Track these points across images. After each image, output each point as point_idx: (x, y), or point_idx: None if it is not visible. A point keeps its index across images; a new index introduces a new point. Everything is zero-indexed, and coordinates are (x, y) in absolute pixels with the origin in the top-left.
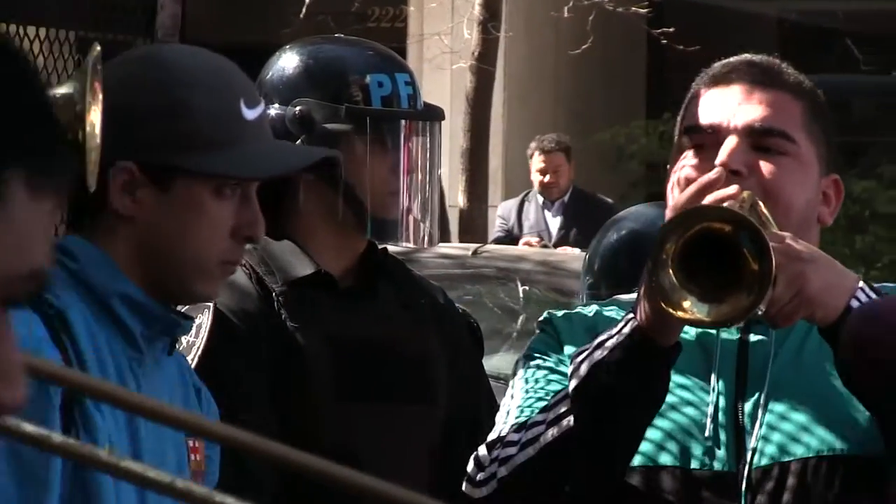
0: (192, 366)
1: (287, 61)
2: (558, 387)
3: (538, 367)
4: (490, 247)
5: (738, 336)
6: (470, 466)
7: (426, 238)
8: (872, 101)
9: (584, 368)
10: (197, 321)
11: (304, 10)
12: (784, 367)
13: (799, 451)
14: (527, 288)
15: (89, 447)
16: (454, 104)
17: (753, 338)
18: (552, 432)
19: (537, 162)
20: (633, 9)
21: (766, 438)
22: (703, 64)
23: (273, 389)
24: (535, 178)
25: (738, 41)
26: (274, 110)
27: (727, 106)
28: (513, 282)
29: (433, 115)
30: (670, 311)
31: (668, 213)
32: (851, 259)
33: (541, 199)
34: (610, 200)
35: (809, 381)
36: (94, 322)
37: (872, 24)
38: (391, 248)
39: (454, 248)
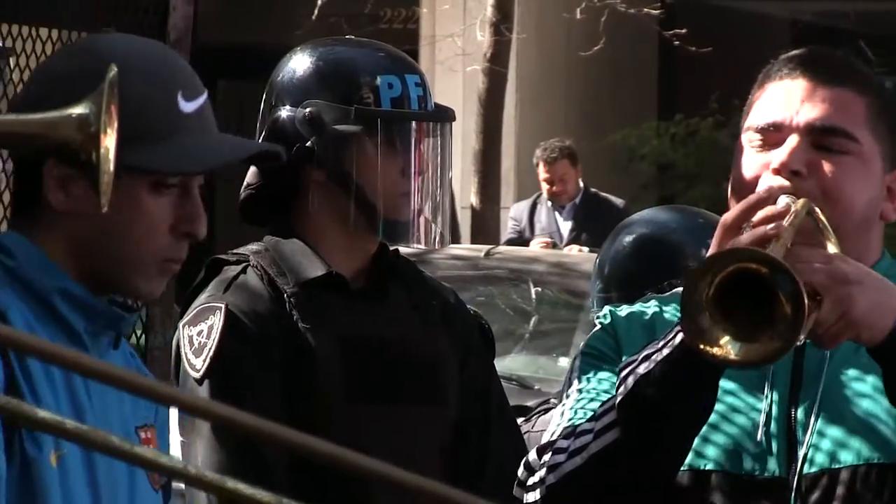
0: (204, 367)
1: (298, 63)
2: (613, 387)
3: (593, 367)
4: (502, 248)
5: None
6: (520, 470)
7: (437, 239)
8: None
9: (630, 381)
10: (209, 322)
11: (316, 11)
12: (837, 375)
13: (849, 458)
14: (539, 289)
15: (102, 434)
16: (466, 105)
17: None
18: (599, 442)
19: (542, 172)
20: (646, 10)
21: (816, 445)
22: (715, 65)
23: (284, 390)
24: (543, 186)
25: (751, 43)
26: (285, 112)
27: (789, 103)
28: (525, 283)
29: (443, 116)
30: (706, 349)
31: (719, 227)
32: None
33: (551, 203)
34: (620, 202)
35: (862, 388)
36: (35, 320)
37: (885, 25)
38: (403, 249)
39: (466, 249)
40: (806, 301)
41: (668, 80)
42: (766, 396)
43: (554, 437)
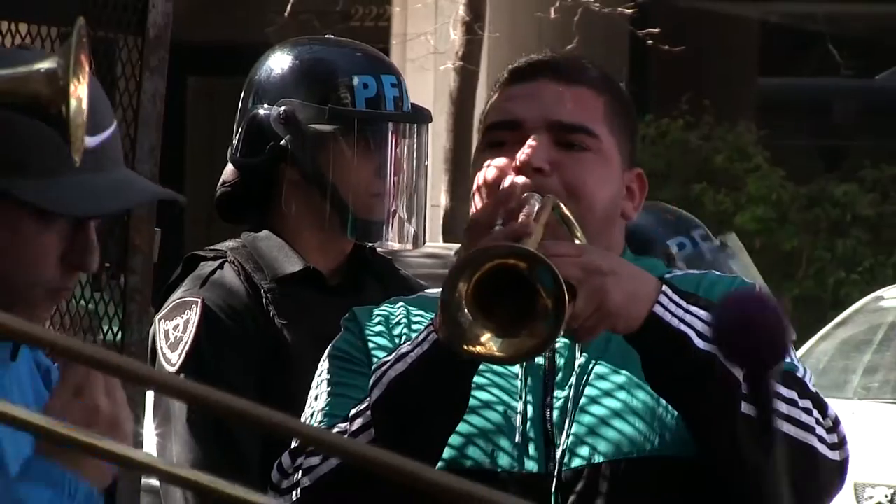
0: (180, 361)
1: (276, 61)
2: (362, 390)
3: (342, 369)
4: None
5: None
6: (274, 473)
7: (411, 239)
8: (854, 104)
9: (384, 381)
10: (185, 317)
11: (288, 8)
12: (591, 368)
13: (610, 452)
14: None
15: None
16: (437, 104)
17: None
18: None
19: None
20: (619, 9)
21: (577, 438)
22: (686, 66)
23: (260, 385)
24: None
25: (722, 44)
26: (262, 110)
27: (529, 102)
28: None
29: (419, 117)
30: (468, 347)
31: (469, 227)
32: (832, 263)
33: None
34: None
35: (616, 382)
36: None
37: (853, 27)
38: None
39: (438, 247)
40: (566, 293)
41: (638, 81)
42: (521, 392)
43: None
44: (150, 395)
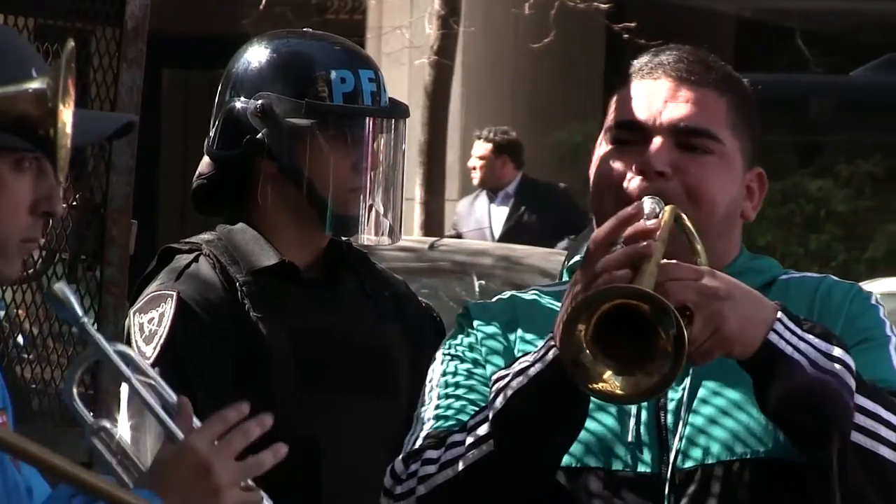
0: (154, 354)
1: (253, 54)
2: (477, 392)
3: (457, 369)
4: (448, 241)
5: None
6: (386, 479)
7: (388, 234)
8: (829, 100)
9: (504, 395)
10: (160, 310)
11: (263, 1)
12: (708, 369)
13: (722, 453)
14: (483, 282)
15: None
16: (412, 98)
17: None
18: (472, 454)
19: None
20: (595, 4)
21: (689, 440)
22: None
23: (235, 378)
24: (476, 163)
25: (697, 38)
26: (239, 103)
27: (652, 104)
28: (469, 276)
29: (396, 112)
30: (591, 385)
31: (591, 243)
32: (806, 258)
33: (485, 192)
34: (562, 185)
35: (733, 383)
36: None
37: (825, 23)
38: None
39: (411, 241)
40: (687, 339)
41: (613, 76)
42: None
43: (420, 445)
44: (124, 388)
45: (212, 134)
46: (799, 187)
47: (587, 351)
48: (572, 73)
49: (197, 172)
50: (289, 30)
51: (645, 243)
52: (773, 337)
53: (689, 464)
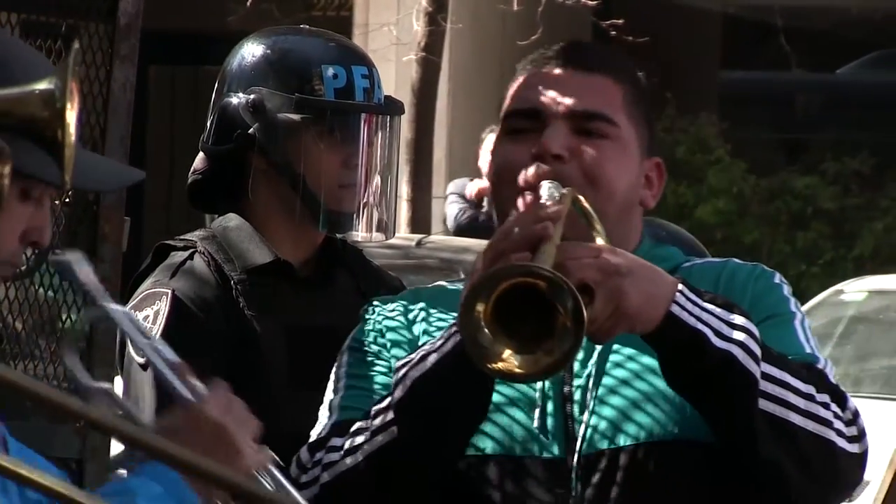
0: None
1: (249, 50)
2: (381, 382)
3: (361, 361)
4: (434, 238)
5: None
6: (292, 468)
7: (381, 230)
8: (816, 97)
9: (407, 381)
10: (155, 307)
11: None
12: (610, 355)
13: (628, 438)
14: None
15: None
16: (399, 95)
17: None
18: (375, 441)
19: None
20: (582, 1)
21: (594, 426)
22: (647, 57)
23: (230, 376)
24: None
25: (682, 35)
26: (234, 98)
27: (547, 90)
28: (456, 273)
29: (388, 108)
30: (490, 365)
31: (496, 236)
32: (793, 256)
33: None
34: None
35: (636, 368)
36: None
37: (808, 20)
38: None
39: (398, 238)
40: (585, 314)
41: None
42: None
43: (325, 434)
44: (118, 381)
45: (207, 129)
46: (786, 185)
47: (486, 330)
48: None
49: (192, 168)
50: (286, 26)
51: (541, 225)
52: (675, 309)
53: (594, 449)
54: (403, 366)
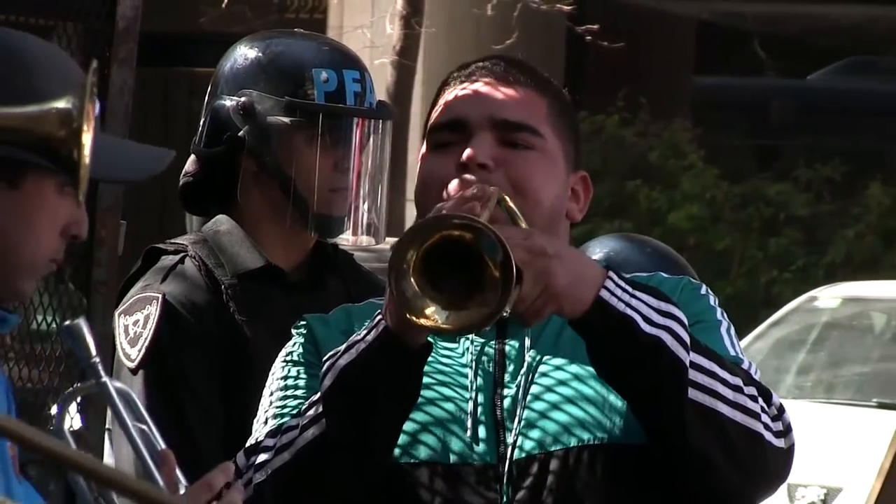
0: (139, 357)
1: (241, 53)
2: (314, 390)
3: (292, 371)
4: None
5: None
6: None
7: (371, 235)
8: (788, 104)
9: (335, 371)
10: (145, 312)
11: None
12: (540, 362)
13: (559, 442)
14: None
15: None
16: None
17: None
18: (306, 435)
19: None
20: (558, 5)
21: (524, 432)
22: (621, 62)
23: (220, 382)
24: None
25: (656, 41)
26: (226, 101)
27: (472, 102)
28: None
29: (379, 113)
30: (413, 318)
31: (425, 217)
32: (765, 262)
33: None
34: None
35: (565, 374)
36: None
37: (779, 26)
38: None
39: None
40: (514, 262)
41: (574, 77)
42: (471, 385)
43: (259, 439)
44: (115, 428)
45: (199, 132)
46: (758, 191)
47: (413, 282)
48: None
49: (184, 170)
50: (279, 30)
51: (469, 205)
52: (604, 294)
53: (526, 451)
54: (331, 357)
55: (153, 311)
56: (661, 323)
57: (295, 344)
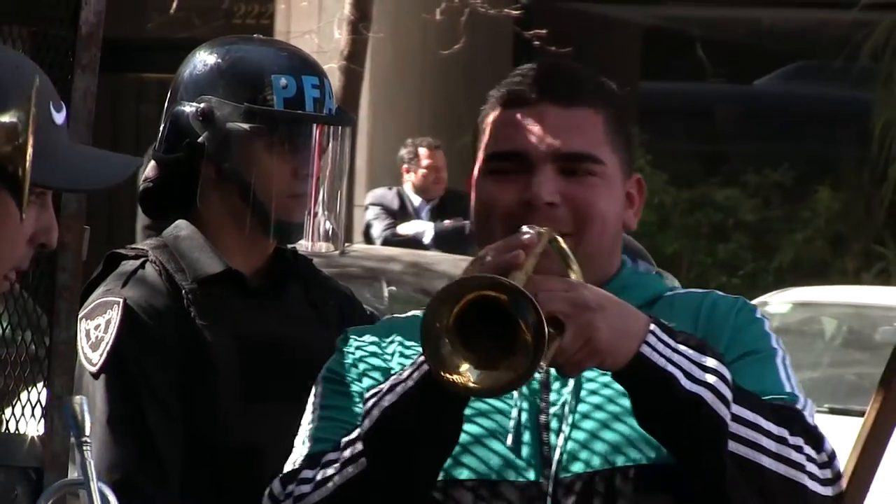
0: (101, 361)
1: (200, 59)
2: (355, 412)
3: (335, 392)
4: (358, 246)
5: None
6: (264, 500)
7: (330, 241)
8: (735, 109)
9: (375, 412)
10: (106, 316)
11: (174, 5)
12: (588, 378)
13: (604, 463)
14: (393, 288)
15: None
16: None
17: None
18: (346, 472)
19: (424, 159)
20: (506, 11)
21: (569, 450)
22: None
23: (181, 387)
24: (416, 175)
25: (603, 45)
26: (185, 107)
27: (530, 132)
28: (379, 282)
29: (338, 119)
30: (446, 375)
31: (469, 265)
32: (714, 267)
33: (417, 200)
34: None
35: (615, 390)
36: None
37: (724, 31)
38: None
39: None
40: (546, 328)
41: None
42: (516, 403)
43: (297, 466)
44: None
45: (159, 137)
46: (706, 197)
47: (446, 340)
48: (480, 80)
49: (143, 176)
50: (238, 35)
51: (513, 254)
52: (645, 350)
53: (572, 470)
54: (372, 397)
55: (114, 315)
56: (702, 379)
57: (334, 360)
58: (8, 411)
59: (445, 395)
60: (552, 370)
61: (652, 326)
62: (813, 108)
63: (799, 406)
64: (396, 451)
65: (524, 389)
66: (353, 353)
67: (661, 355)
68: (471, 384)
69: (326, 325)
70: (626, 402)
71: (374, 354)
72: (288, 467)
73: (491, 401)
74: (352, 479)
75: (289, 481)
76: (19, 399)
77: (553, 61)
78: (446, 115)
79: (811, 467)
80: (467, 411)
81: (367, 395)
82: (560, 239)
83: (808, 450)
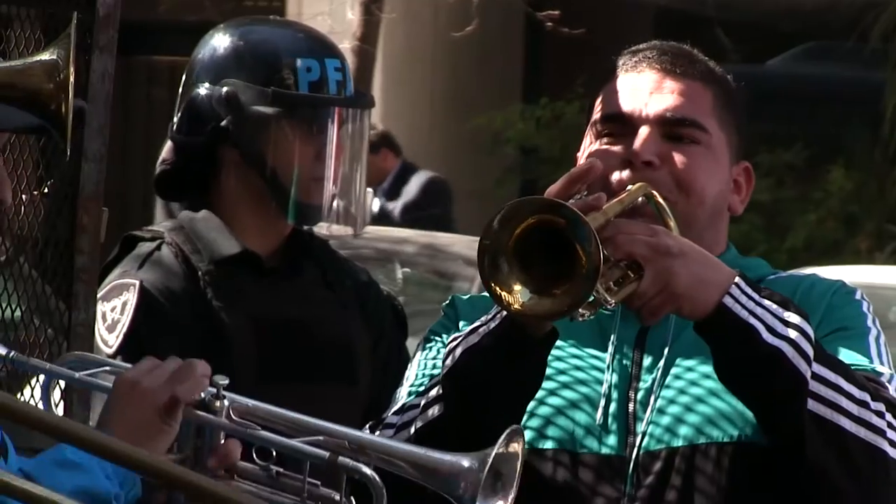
0: (117, 343)
1: (218, 41)
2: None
3: (431, 349)
4: (372, 228)
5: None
6: None
7: (349, 223)
8: (748, 89)
9: (457, 352)
10: (122, 298)
11: None
12: (680, 355)
13: (688, 436)
14: (407, 270)
15: None
16: None
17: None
18: (427, 414)
19: None
20: None
21: (655, 423)
22: (581, 49)
23: None
24: None
25: (615, 27)
26: (203, 90)
27: (637, 96)
28: (392, 263)
29: (360, 102)
30: (498, 290)
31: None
32: None
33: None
34: (431, 173)
35: (703, 370)
36: None
37: (741, 12)
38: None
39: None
40: (602, 253)
41: (533, 64)
42: (607, 376)
43: (385, 416)
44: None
45: (176, 119)
46: None
47: (503, 258)
48: (491, 61)
49: (161, 158)
50: (253, 17)
51: (596, 195)
52: (728, 300)
53: (654, 446)
54: (454, 339)
55: (131, 297)
56: (783, 334)
57: (437, 323)
58: (27, 392)
59: (525, 339)
60: (647, 344)
61: (737, 279)
62: (825, 89)
63: (883, 379)
64: (472, 391)
65: (616, 363)
66: (455, 317)
67: (744, 307)
68: (516, 305)
69: (342, 305)
70: (711, 384)
71: (474, 321)
72: (384, 416)
73: (579, 373)
74: (431, 421)
75: (376, 428)
76: (38, 380)
77: (670, 42)
78: (458, 96)
79: (892, 434)
80: (552, 384)
81: (449, 339)
82: (657, 194)
83: (890, 417)
